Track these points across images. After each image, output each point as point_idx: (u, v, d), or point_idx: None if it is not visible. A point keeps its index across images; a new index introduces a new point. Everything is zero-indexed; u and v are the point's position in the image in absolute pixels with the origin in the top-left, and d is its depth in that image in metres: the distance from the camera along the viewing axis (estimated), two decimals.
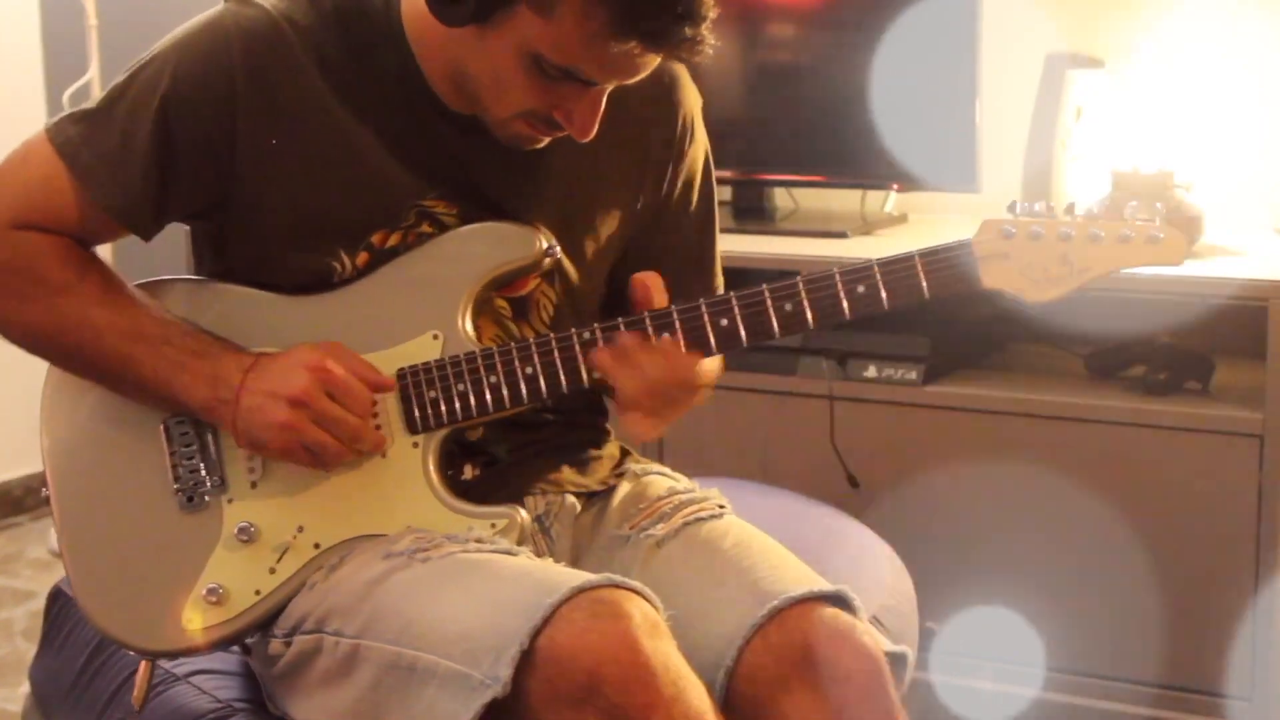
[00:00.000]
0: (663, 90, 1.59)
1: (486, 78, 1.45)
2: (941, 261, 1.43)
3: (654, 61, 1.43)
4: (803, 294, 1.45)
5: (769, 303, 1.45)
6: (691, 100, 1.64)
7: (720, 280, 1.71)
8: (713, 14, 1.39)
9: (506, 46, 1.41)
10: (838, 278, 1.44)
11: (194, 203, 1.52)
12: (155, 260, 1.63)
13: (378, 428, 1.50)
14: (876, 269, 1.44)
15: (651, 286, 1.51)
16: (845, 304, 1.44)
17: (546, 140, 1.51)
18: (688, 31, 1.37)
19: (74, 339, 1.50)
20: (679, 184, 1.64)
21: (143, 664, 1.57)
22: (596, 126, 1.47)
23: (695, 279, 1.66)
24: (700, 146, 1.66)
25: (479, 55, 1.44)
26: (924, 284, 1.43)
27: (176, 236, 1.61)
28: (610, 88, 1.45)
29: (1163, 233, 1.41)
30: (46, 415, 1.56)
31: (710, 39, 1.39)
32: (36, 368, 1.57)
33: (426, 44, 1.50)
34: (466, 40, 1.44)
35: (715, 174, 1.69)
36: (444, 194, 1.53)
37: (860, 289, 1.44)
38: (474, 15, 1.41)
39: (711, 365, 1.53)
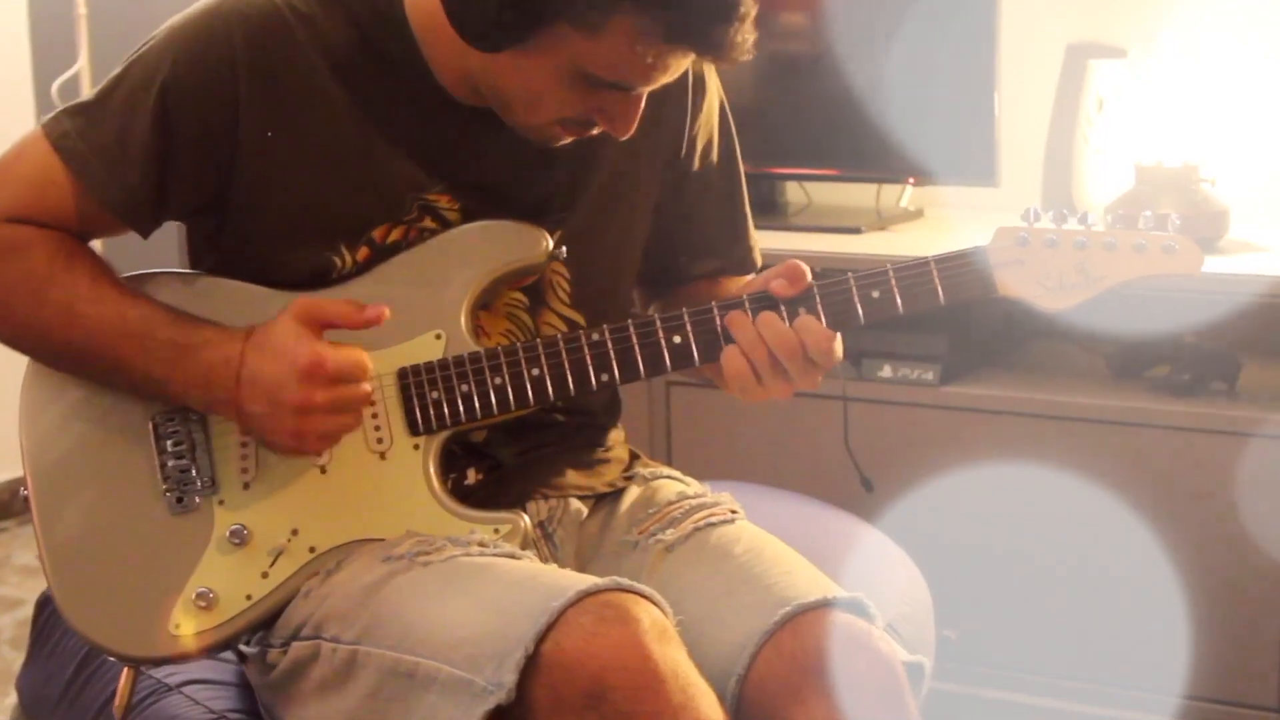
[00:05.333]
0: None
1: (518, 92, 1.43)
2: (957, 268, 1.44)
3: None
4: (816, 298, 1.45)
5: (783, 306, 1.45)
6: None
7: (755, 240, 1.71)
8: (754, 10, 1.38)
9: (545, 65, 1.39)
10: (851, 282, 1.44)
11: (194, 196, 1.49)
12: (148, 254, 1.61)
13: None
14: (891, 274, 1.44)
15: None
16: (859, 309, 1.45)
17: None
18: (738, 38, 1.37)
19: (61, 338, 1.47)
20: (698, 145, 1.63)
21: (125, 671, 1.54)
22: (636, 125, 1.45)
23: (727, 239, 1.67)
24: (713, 102, 1.64)
25: (510, 73, 1.41)
26: (939, 290, 1.44)
27: (169, 229, 1.59)
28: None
29: (1178, 243, 1.42)
30: (25, 411, 1.53)
31: (753, 36, 1.39)
32: (19, 364, 1.53)
33: (435, 39, 1.47)
34: (495, 59, 1.41)
35: None
36: (448, 187, 1.50)
37: (875, 294, 1.44)
38: (511, 42, 1.38)
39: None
